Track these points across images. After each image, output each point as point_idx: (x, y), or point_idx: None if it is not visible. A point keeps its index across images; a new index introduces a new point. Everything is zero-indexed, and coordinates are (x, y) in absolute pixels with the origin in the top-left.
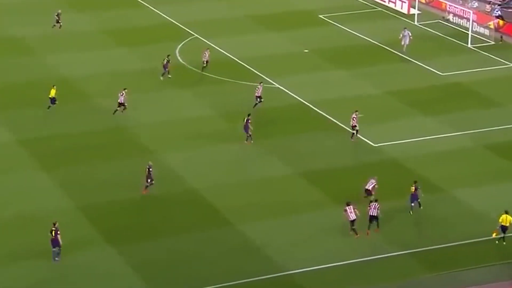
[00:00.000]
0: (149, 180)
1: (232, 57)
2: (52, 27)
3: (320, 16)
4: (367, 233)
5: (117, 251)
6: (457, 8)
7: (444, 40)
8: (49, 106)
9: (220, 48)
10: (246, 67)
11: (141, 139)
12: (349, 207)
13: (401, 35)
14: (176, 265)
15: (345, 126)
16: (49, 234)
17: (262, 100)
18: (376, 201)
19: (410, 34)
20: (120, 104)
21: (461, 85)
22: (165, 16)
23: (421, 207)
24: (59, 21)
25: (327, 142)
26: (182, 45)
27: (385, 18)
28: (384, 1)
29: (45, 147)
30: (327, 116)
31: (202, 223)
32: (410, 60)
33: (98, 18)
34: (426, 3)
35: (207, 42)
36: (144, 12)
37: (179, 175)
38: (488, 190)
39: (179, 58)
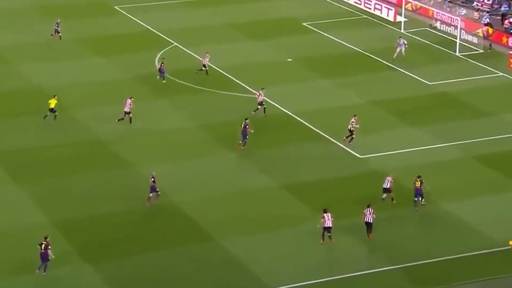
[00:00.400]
0: (154, 191)
1: (213, 66)
2: (51, 35)
3: (304, 24)
4: (369, 238)
5: (94, 268)
6: (444, 15)
7: (431, 48)
8: (46, 116)
9: (200, 57)
10: (227, 76)
11: (119, 151)
12: (326, 214)
13: (396, 44)
14: (155, 281)
15: (330, 136)
16: (38, 247)
17: (265, 106)
18: (369, 206)
19: (406, 43)
20: (126, 113)
21: (449, 95)
22: (143, 24)
23: (424, 203)
24: (58, 31)
25: (312, 154)
26: (162, 54)
27: (371, 26)
28: (370, 9)
29: (18, 160)
30: (311, 127)
31: (182, 237)
32: (396, 69)
33: (73, 26)
34: (413, 11)
35: (187, 51)
36: (121, 20)
37: (158, 189)
38: (477, 202)
39: (157, 66)
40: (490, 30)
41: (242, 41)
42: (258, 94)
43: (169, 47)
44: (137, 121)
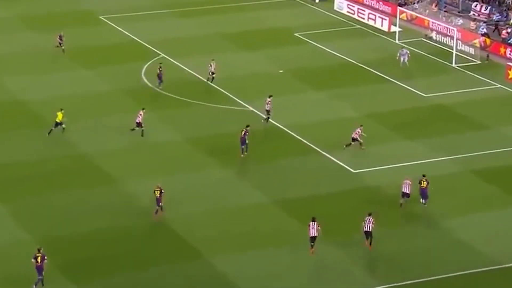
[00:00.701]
0: (160, 204)
1: (201, 78)
2: (55, 47)
3: (296, 34)
4: (369, 248)
5: (78, 287)
6: (440, 25)
7: (427, 59)
8: (51, 130)
9: (188, 68)
10: (216, 88)
11: (104, 166)
12: (312, 223)
13: (398, 54)
14: None
15: (323, 150)
16: (33, 261)
17: (270, 115)
18: (370, 215)
19: (408, 52)
20: (139, 124)
21: (445, 107)
22: (129, 34)
23: (425, 205)
24: (62, 44)
25: (304, 168)
26: (148, 65)
27: (364, 36)
28: (363, 19)
29: None
30: (303, 140)
31: (170, 255)
32: (391, 81)
33: (57, 37)
34: (408, 21)
35: (175, 62)
36: (107, 31)
37: (144, 205)
38: (475, 218)
39: (144, 79)
40: (488, 41)
41: (231, 51)
42: (268, 102)
43: (156, 58)
44: (123, 135)
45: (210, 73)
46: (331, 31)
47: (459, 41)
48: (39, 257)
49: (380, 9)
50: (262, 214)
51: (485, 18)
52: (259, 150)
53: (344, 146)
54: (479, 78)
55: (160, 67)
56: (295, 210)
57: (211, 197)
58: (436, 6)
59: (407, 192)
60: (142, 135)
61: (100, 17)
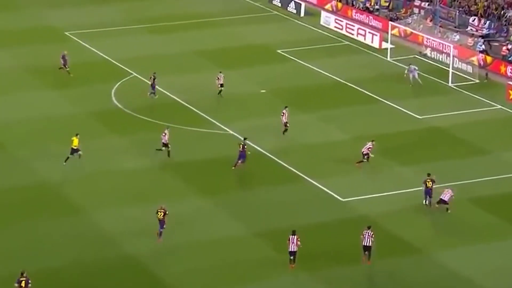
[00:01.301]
0: (164, 226)
1: (177, 99)
2: (59, 68)
3: (279, 51)
4: (368, 263)
5: None
6: (435, 41)
7: (421, 78)
8: (67, 158)
9: (162, 89)
10: (193, 110)
11: (70, 195)
12: (292, 236)
13: (406, 71)
14: None
15: (309, 177)
16: (16, 285)
17: (287, 128)
18: (369, 228)
19: (417, 69)
20: (165, 145)
21: (441, 130)
22: (97, 52)
23: (432, 205)
24: (66, 66)
25: (288, 196)
26: (119, 85)
27: (354, 53)
28: (352, 34)
29: None
30: (288, 166)
31: None
32: (382, 101)
33: (19, 54)
34: (401, 37)
35: (147, 81)
36: (73, 48)
37: (113, 237)
38: (474, 250)
39: (114, 101)
40: (489, 59)
41: (209, 70)
42: (282, 114)
43: (126, 78)
44: (92, 161)
45: (219, 86)
46: (317, 48)
47: (455, 59)
48: (23, 281)
49: (371, 24)
50: (241, 247)
51: (484, 33)
52: (240, 177)
53: (356, 163)
54: (477, 98)
55: (154, 77)
56: (279, 243)
57: (187, 229)
58: (431, 20)
59: (445, 199)
60: (168, 156)
61: (66, 33)
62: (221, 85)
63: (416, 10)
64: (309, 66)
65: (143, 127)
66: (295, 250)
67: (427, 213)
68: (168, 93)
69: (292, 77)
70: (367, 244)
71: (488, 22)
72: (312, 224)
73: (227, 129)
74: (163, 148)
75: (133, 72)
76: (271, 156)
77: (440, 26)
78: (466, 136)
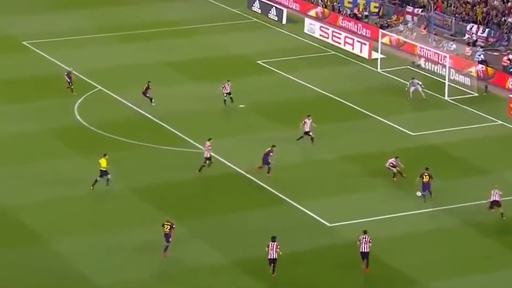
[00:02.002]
0: (170, 240)
1: (147, 115)
2: (66, 88)
3: (259, 62)
4: (367, 271)
5: None
6: (430, 51)
7: (414, 92)
8: (96, 181)
9: (130, 103)
10: (165, 127)
11: (28, 222)
12: (272, 243)
13: (408, 85)
14: None
15: (293, 200)
16: None
17: (312, 136)
18: (365, 232)
19: (420, 83)
20: (207, 159)
21: (436, 148)
22: (59, 63)
23: (432, 196)
24: (71, 83)
25: (270, 222)
26: (82, 100)
27: (340, 63)
28: (339, 43)
29: None
30: (269, 189)
31: None
32: (372, 116)
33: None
34: (392, 46)
35: (113, 95)
36: (32, 59)
37: (74, 268)
38: (474, 280)
39: (78, 116)
40: (491, 70)
41: (181, 83)
42: (303, 122)
43: (91, 92)
44: (51, 184)
45: (225, 95)
46: (301, 58)
47: (452, 70)
48: None
49: (359, 32)
50: (220, 277)
51: (483, 42)
52: (216, 201)
53: (394, 178)
54: (476, 113)
55: (148, 86)
56: (261, 273)
57: (155, 258)
58: (425, 28)
59: (496, 200)
60: (209, 166)
61: (24, 42)
62: (229, 94)
63: (408, 17)
64: (292, 78)
65: (110, 146)
66: (275, 257)
67: (422, 239)
68: (137, 108)
69: (273, 91)
70: (365, 251)
71: (487, 29)
72: (297, 252)
73: (203, 148)
74: (206, 162)
75: (98, 85)
76: (251, 177)
77: (435, 34)
78: (464, 154)
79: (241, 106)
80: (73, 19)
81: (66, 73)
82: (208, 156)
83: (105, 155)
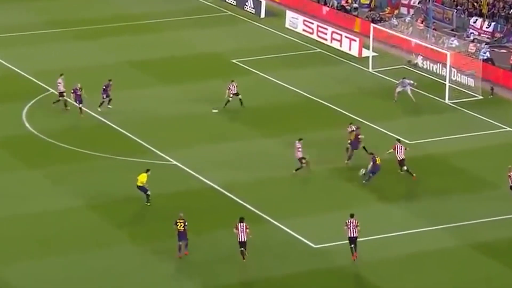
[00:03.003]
0: (183, 239)
1: (106, 121)
2: (79, 110)
3: (234, 61)
4: (355, 256)
5: None
6: (428, 48)
7: (401, 93)
8: (148, 199)
9: (88, 109)
10: (127, 135)
11: None
12: (241, 224)
13: (396, 85)
14: None
15: (273, 219)
16: None
17: (363, 142)
18: (352, 216)
19: (411, 83)
20: (301, 160)
21: (436, 158)
22: (5, 63)
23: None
24: (81, 101)
25: (248, 242)
26: (32, 105)
27: (327, 62)
28: (325, 39)
29: None
30: (246, 205)
31: None
32: (363, 122)
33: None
34: (386, 42)
35: (68, 99)
36: None
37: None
38: None
39: (26, 124)
40: (497, 70)
41: (147, 86)
42: (351, 130)
43: (42, 96)
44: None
45: (231, 96)
46: (282, 57)
47: (453, 69)
48: None
49: (348, 27)
50: None
51: (488, 37)
52: (190, 218)
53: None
54: (481, 118)
55: (108, 84)
56: None
57: (121, 285)
58: (422, 22)
59: None
60: (307, 165)
61: None
62: (236, 94)
63: (404, 10)
64: (272, 79)
65: (66, 158)
66: (245, 240)
67: (419, 261)
68: (96, 114)
69: (250, 93)
70: (353, 236)
71: (493, 23)
72: (278, 277)
73: (170, 159)
74: (303, 161)
75: (50, 88)
76: (225, 192)
77: (434, 29)
78: (467, 165)
79: (214, 111)
80: (20, 12)
81: (72, 90)
82: (301, 156)
83: (147, 170)
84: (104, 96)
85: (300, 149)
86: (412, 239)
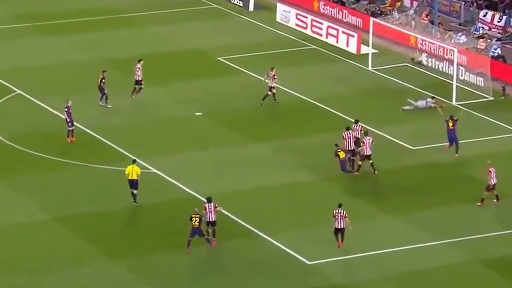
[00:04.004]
0: (199, 234)
1: (79, 126)
2: (69, 132)
3: (220, 58)
4: (340, 245)
5: None
6: (434, 44)
7: (415, 95)
8: (135, 198)
9: (57, 112)
10: (101, 141)
11: None
12: (209, 204)
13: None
14: None
15: (262, 233)
16: None
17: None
18: (340, 206)
19: (432, 104)
20: (362, 156)
21: (442, 165)
22: None
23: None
24: (68, 121)
25: (235, 259)
26: None
27: (322, 60)
28: (320, 35)
29: None
30: (233, 218)
31: None
32: (361, 126)
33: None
34: (387, 38)
35: (37, 101)
36: None
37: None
38: None
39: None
40: (510, 68)
41: (122, 86)
42: (363, 143)
43: (8, 97)
44: None
45: (273, 86)
46: (273, 54)
47: (461, 68)
48: None
49: (345, 20)
50: None
51: (499, 33)
52: (167, 233)
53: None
54: (491, 121)
55: (103, 77)
56: None
57: None
58: (427, 16)
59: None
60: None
61: None
62: (271, 89)
63: (407, 2)
64: (261, 79)
65: (31, 165)
66: (215, 219)
67: (427, 277)
68: (64, 116)
69: (238, 94)
70: (341, 227)
71: (505, 17)
72: None
73: (149, 166)
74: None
75: (16, 89)
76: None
77: (439, 24)
78: (475, 173)
79: (197, 113)
80: None
81: (65, 107)
82: (368, 153)
83: (134, 161)
84: (105, 91)
85: (368, 142)
86: (416, 254)
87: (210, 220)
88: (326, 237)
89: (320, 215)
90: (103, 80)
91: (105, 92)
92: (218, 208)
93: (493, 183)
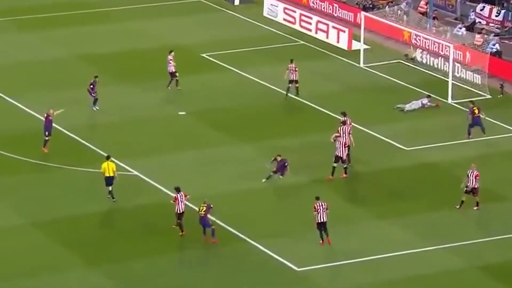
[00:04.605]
0: (207, 225)
1: (57, 126)
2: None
3: (204, 55)
4: (329, 242)
5: None
6: (428, 40)
7: (409, 93)
8: (111, 195)
9: (34, 112)
10: (80, 142)
11: None
12: (179, 194)
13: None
14: None
15: (250, 238)
16: None
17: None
18: (318, 199)
19: (425, 103)
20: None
21: (437, 167)
22: None
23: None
24: (47, 132)
25: (222, 266)
26: None
27: (311, 57)
28: (309, 30)
29: None
30: (218, 222)
31: None
32: (354, 127)
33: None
34: (379, 33)
35: (13, 102)
36: None
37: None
38: None
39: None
40: (507, 65)
41: (101, 84)
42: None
43: None
44: None
45: (293, 82)
46: (260, 51)
47: (457, 65)
48: None
49: (336, 15)
50: None
51: (497, 27)
52: (149, 238)
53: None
54: (489, 120)
55: (95, 81)
56: None
57: None
58: (426, 4)
59: (475, 186)
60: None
61: None
62: (294, 82)
63: None
64: (248, 76)
65: (9, 168)
66: (182, 211)
67: (423, 285)
68: (43, 118)
69: (223, 93)
70: (323, 220)
71: (503, 11)
72: None
73: (129, 169)
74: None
75: None
76: (192, 206)
77: (434, 18)
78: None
79: (180, 113)
80: None
81: (45, 116)
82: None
83: (109, 157)
84: (94, 94)
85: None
86: (412, 260)
87: (180, 211)
88: (315, 244)
89: (308, 219)
90: (91, 85)
91: (94, 95)
92: (188, 197)
93: (472, 187)
